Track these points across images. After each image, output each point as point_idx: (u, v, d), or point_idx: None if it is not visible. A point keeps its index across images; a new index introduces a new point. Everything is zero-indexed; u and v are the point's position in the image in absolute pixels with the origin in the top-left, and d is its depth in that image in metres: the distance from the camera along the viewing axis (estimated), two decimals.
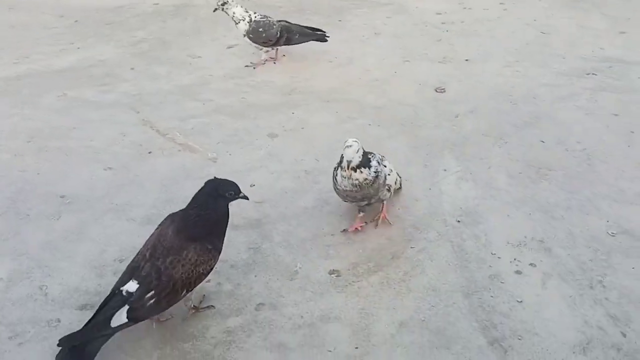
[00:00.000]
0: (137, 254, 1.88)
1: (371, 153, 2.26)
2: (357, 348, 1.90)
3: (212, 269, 1.90)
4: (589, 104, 3.35)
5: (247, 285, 2.12)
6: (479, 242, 2.34)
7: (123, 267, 1.92)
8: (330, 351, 1.89)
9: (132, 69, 3.79)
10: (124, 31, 4.40)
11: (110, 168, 2.77)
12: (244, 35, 3.58)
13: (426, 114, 3.25)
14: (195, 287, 1.88)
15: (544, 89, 3.52)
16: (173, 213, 1.95)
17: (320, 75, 3.66)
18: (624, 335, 1.93)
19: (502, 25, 4.41)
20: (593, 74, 3.70)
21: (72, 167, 2.78)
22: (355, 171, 2.15)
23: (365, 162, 2.17)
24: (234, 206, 1.98)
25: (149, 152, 2.89)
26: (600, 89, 3.51)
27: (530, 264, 2.23)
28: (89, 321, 1.78)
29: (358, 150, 2.13)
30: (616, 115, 3.23)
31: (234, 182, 1.92)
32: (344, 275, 2.17)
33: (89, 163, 2.81)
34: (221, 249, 1.91)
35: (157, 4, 4.97)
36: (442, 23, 4.46)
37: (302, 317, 2.01)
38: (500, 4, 4.83)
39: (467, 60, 3.89)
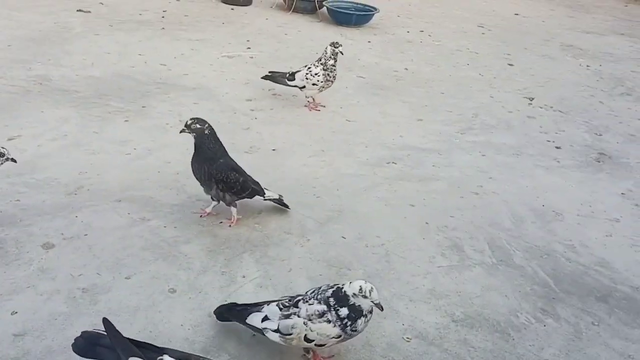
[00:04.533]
0: None
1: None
2: None
3: None
4: (389, 195, 3.43)
5: None
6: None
7: None
8: None
9: None
10: None
11: None
12: None
13: (227, 212, 3.08)
14: None
15: (348, 179, 3.55)
16: None
17: (114, 169, 3.35)
18: None
19: (309, 113, 4.47)
20: (393, 162, 3.82)
21: None
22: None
23: None
24: None
25: None
26: (399, 178, 3.62)
27: None
28: None
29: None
30: (413, 205, 3.32)
31: None
32: None
33: None
34: None
35: None
36: (251, 110, 4.40)
37: None
38: None
39: (274, 149, 3.83)
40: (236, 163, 2.94)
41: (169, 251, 2.70)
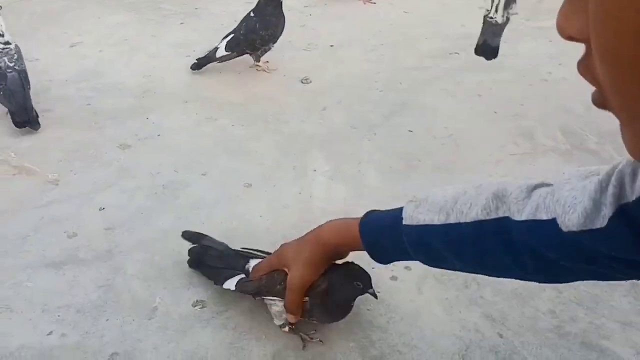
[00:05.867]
0: None
1: None
2: None
3: None
4: (453, 86, 3.34)
5: (97, 332, 1.85)
6: None
7: None
8: None
9: None
10: None
11: None
12: None
13: (292, 108, 3.08)
14: None
15: (410, 72, 3.47)
16: None
17: (176, 71, 3.37)
18: (501, 336, 1.89)
19: (364, 7, 4.32)
20: (455, 53, 3.70)
21: None
22: None
23: None
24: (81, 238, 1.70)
25: None
26: (462, 69, 3.52)
27: (406, 267, 2.14)
28: None
29: None
30: (480, 95, 3.24)
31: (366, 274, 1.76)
32: (210, 305, 1.96)
33: None
34: None
35: None
36: (305, 7, 4.29)
37: None
38: None
39: (332, 46, 3.75)
40: None
41: (240, 148, 2.74)
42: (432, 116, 3.06)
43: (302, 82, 3.34)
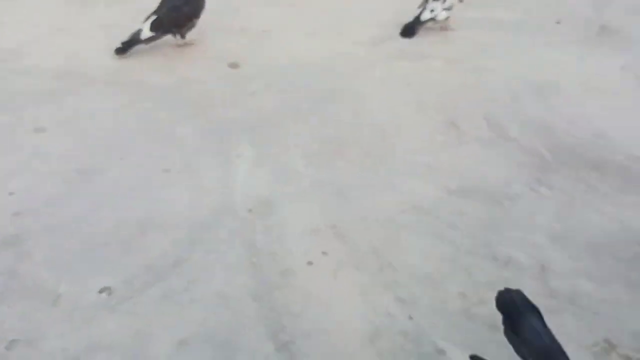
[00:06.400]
0: None
1: None
2: None
3: None
4: (385, 74, 3.35)
5: None
6: (272, 234, 2.20)
7: None
8: None
9: None
10: None
11: None
12: None
13: (220, 93, 3.03)
14: None
15: (343, 59, 3.46)
16: None
17: (99, 53, 3.26)
18: (411, 319, 1.90)
19: None
20: (389, 40, 3.71)
21: None
22: None
23: None
24: None
25: None
26: (395, 57, 3.53)
27: (323, 253, 2.13)
28: None
29: None
30: (409, 84, 3.26)
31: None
32: (118, 292, 1.91)
33: None
34: None
35: None
36: None
37: (65, 350, 1.73)
38: None
39: (265, 31, 3.71)
40: None
41: (161, 133, 2.67)
42: (362, 103, 3.06)
43: (231, 66, 3.29)
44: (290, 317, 1.88)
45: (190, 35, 3.27)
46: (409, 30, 3.73)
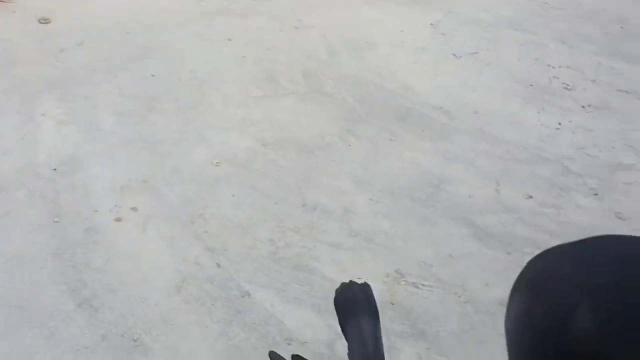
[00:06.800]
0: None
1: None
2: None
3: None
4: (206, 29, 3.32)
5: None
6: (77, 193, 2.13)
7: None
8: None
9: None
10: None
11: None
12: None
13: (25, 50, 2.83)
14: None
15: (162, 15, 3.37)
16: None
17: None
18: (219, 266, 1.96)
19: None
20: None
21: None
22: None
23: None
24: None
25: None
26: (217, 12, 3.50)
27: (132, 209, 2.11)
28: None
29: None
30: (230, 40, 3.26)
31: None
32: None
33: None
34: None
35: None
36: None
37: None
38: None
39: None
40: None
41: None
42: (180, 59, 3.02)
43: (40, 21, 3.08)
44: (93, 273, 1.85)
45: None
46: None
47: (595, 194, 2.51)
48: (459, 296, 1.99)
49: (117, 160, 2.31)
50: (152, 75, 2.84)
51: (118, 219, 2.06)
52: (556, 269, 0.52)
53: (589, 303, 0.48)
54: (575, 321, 0.47)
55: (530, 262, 0.57)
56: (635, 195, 2.52)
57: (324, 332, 1.79)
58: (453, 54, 3.48)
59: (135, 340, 1.71)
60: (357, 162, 2.55)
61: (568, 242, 0.54)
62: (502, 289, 2.01)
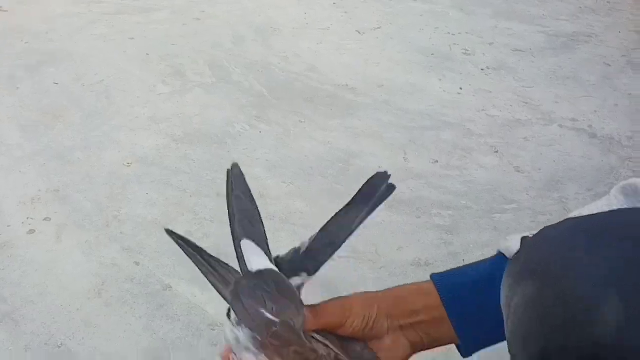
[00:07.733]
0: None
1: None
2: None
3: None
4: (107, 30, 3.30)
5: None
6: None
7: None
8: None
9: None
10: None
11: None
12: None
13: None
14: None
15: (61, 20, 3.32)
16: None
17: None
18: (138, 264, 2.00)
19: None
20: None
21: None
22: None
23: None
24: None
25: None
26: (117, 12, 3.48)
27: (45, 219, 2.11)
28: None
29: None
30: (133, 38, 3.25)
31: None
32: None
33: None
34: None
35: None
36: None
37: None
38: None
39: None
40: None
41: None
42: (83, 64, 2.99)
43: None
44: (11, 287, 1.86)
45: None
46: None
47: (496, 152, 2.67)
48: (374, 262, 2.10)
49: (25, 173, 2.29)
50: (55, 84, 2.81)
51: (31, 231, 2.06)
52: (568, 254, 0.49)
53: (616, 294, 0.44)
54: (601, 313, 0.43)
55: (530, 245, 0.54)
56: (531, 149, 2.70)
57: None
58: (357, 31, 3.58)
59: (59, 347, 1.73)
60: (268, 148, 2.61)
61: (564, 222, 0.51)
62: (413, 251, 2.14)
